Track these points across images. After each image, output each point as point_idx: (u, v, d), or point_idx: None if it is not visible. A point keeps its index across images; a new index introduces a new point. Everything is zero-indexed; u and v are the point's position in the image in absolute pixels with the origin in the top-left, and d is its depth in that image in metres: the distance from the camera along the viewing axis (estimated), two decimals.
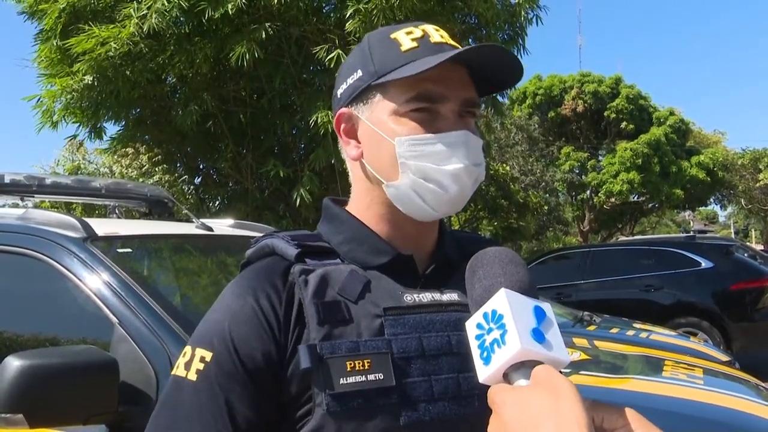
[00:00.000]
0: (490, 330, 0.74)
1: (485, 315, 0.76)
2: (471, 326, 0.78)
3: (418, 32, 0.95)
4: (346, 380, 0.85)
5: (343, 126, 1.00)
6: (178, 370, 0.90)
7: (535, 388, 0.69)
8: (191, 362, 0.89)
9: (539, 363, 0.72)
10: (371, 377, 0.86)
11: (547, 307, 0.77)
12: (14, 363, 1.54)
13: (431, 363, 0.90)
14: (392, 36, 0.96)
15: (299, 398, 0.86)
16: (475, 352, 0.76)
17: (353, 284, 0.92)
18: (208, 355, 0.88)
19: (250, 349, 0.87)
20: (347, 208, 1.03)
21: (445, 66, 0.89)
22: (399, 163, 0.92)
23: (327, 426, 0.84)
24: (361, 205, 1.01)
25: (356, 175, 1.02)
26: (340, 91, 1.01)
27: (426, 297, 0.95)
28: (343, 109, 1.00)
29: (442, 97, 0.92)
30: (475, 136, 0.95)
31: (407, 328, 0.91)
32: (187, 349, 0.91)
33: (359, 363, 0.86)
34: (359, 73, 0.97)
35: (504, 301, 0.74)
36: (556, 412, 0.66)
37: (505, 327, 0.72)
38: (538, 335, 0.73)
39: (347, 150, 1.01)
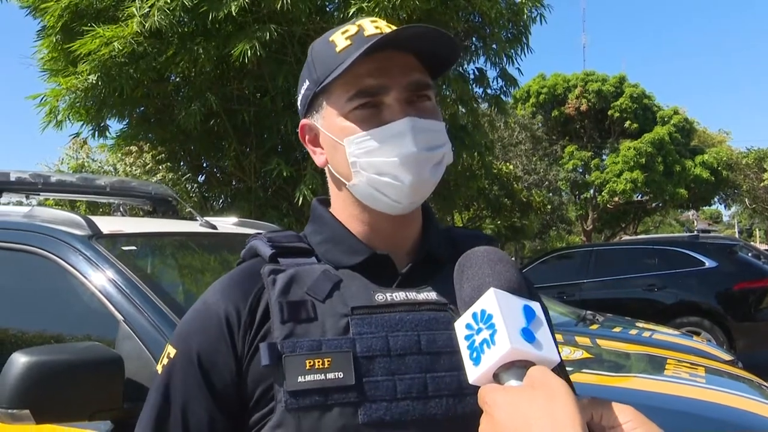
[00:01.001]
0: (479, 330, 0.74)
1: (474, 315, 0.76)
2: (460, 326, 0.78)
3: (353, 29, 0.96)
4: (305, 378, 0.86)
5: (307, 137, 1.03)
6: (157, 364, 0.97)
7: (528, 389, 0.69)
8: (163, 357, 0.95)
9: (530, 363, 0.72)
10: (330, 375, 0.86)
11: (536, 306, 0.77)
12: (20, 359, 1.56)
13: (396, 362, 0.89)
14: (330, 39, 0.97)
15: (263, 397, 0.88)
16: (465, 353, 0.76)
17: (323, 283, 0.93)
18: (173, 352, 0.93)
19: (210, 353, 0.91)
20: (331, 209, 1.04)
21: (385, 56, 0.90)
22: (350, 162, 0.94)
23: (287, 422, 0.85)
24: (337, 206, 1.03)
25: (328, 179, 1.04)
26: (298, 104, 1.05)
27: (399, 296, 0.94)
28: (304, 120, 1.03)
29: (381, 87, 0.92)
30: (424, 119, 0.93)
31: (374, 327, 0.91)
32: (167, 344, 0.97)
33: (319, 361, 0.87)
34: (306, 83, 1.00)
35: (493, 301, 0.74)
36: (551, 413, 0.66)
37: (494, 327, 0.72)
38: (528, 335, 0.72)
39: (315, 159, 1.03)
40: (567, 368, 1.09)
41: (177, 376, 0.91)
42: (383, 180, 0.92)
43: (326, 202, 1.06)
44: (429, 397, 0.89)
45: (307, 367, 0.86)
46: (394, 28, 0.95)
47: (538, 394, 0.68)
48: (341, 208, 1.01)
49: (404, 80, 0.93)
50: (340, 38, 0.95)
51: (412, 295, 0.95)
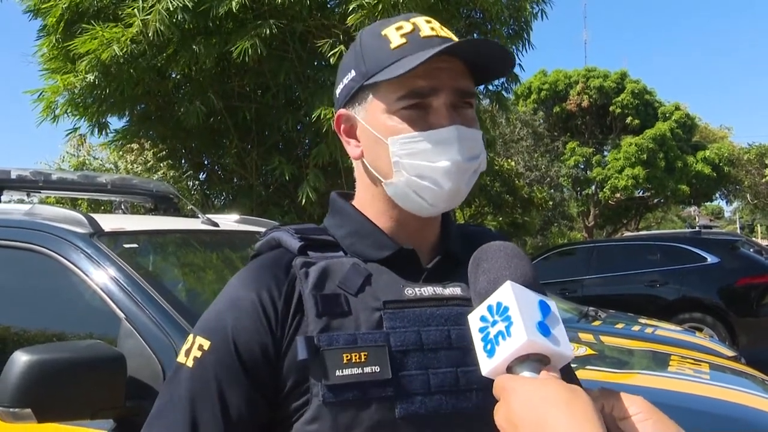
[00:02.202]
0: (494, 322, 0.74)
1: (489, 308, 0.76)
2: (474, 319, 0.78)
3: (408, 26, 0.95)
4: (342, 372, 0.86)
5: (342, 126, 1.02)
6: (180, 357, 0.94)
7: (548, 379, 0.70)
8: (191, 349, 0.92)
9: (544, 357, 0.72)
10: (367, 369, 0.87)
11: (551, 302, 0.77)
12: (22, 358, 1.55)
13: (429, 356, 0.90)
14: (383, 33, 0.96)
15: (296, 389, 0.88)
16: (479, 345, 0.76)
17: (354, 277, 0.93)
18: (206, 344, 0.91)
19: (247, 342, 0.89)
20: (353, 202, 1.04)
21: (435, 59, 0.89)
22: (393, 162, 0.94)
23: (323, 416, 0.86)
24: (365, 200, 1.02)
25: (359, 172, 1.04)
26: (337, 92, 1.03)
27: (427, 291, 0.95)
28: (341, 110, 1.02)
29: (431, 90, 0.92)
30: (469, 128, 0.94)
31: (406, 321, 0.91)
32: (190, 336, 0.95)
33: (356, 355, 0.87)
34: (352, 73, 0.98)
35: (510, 294, 0.74)
36: (570, 401, 0.66)
37: (510, 319, 0.72)
38: (544, 329, 0.73)
39: (349, 150, 1.03)
40: (571, 365, 1.09)
41: (214, 367, 0.89)
42: (423, 183, 0.93)
43: (345, 196, 1.06)
44: (460, 390, 0.91)
45: (345, 361, 0.86)
46: (446, 30, 0.97)
47: (558, 384, 0.68)
48: (368, 203, 1.01)
49: (452, 85, 0.93)
50: (394, 34, 0.95)
51: (439, 290, 0.96)
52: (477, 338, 0.77)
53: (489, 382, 0.87)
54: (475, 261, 0.84)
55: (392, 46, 0.94)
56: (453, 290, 0.97)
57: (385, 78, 0.91)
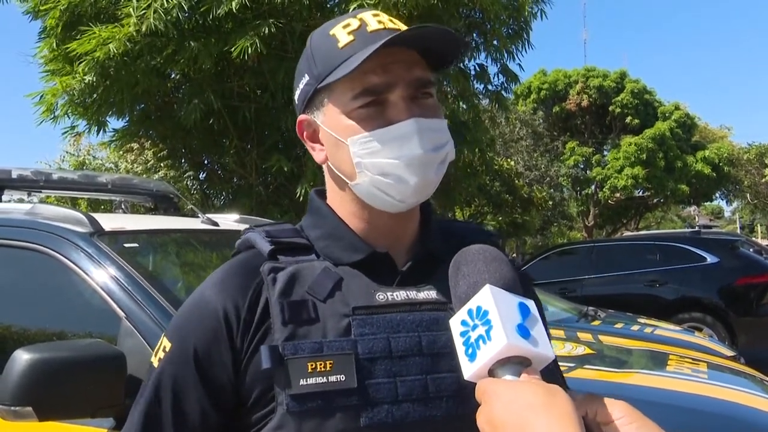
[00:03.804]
0: (475, 326, 0.75)
1: (470, 312, 0.76)
2: (455, 323, 0.78)
3: (355, 23, 0.93)
4: (306, 381, 0.85)
5: (305, 132, 1.01)
6: (152, 356, 0.95)
7: (528, 382, 0.71)
8: (158, 350, 0.94)
9: (525, 359, 0.73)
10: (332, 378, 0.85)
11: (531, 303, 0.77)
12: (23, 356, 1.56)
13: (398, 364, 0.88)
14: (331, 32, 0.94)
15: (261, 398, 0.87)
16: (460, 349, 0.77)
17: (323, 282, 0.91)
18: (168, 346, 0.92)
19: (207, 350, 0.89)
20: (328, 202, 1.02)
21: (388, 51, 0.87)
22: (354, 162, 0.92)
23: (287, 425, 0.85)
24: (335, 202, 1.00)
25: (327, 176, 1.02)
26: (295, 97, 1.02)
27: (400, 295, 0.93)
28: (302, 116, 1.00)
29: (386, 85, 0.90)
30: (428, 119, 0.91)
31: (375, 328, 0.89)
32: (162, 336, 0.96)
33: (321, 364, 0.85)
34: (306, 77, 0.97)
35: (489, 298, 0.75)
36: (549, 404, 0.67)
37: (490, 323, 0.73)
38: (524, 331, 0.73)
39: (314, 155, 1.01)
40: (570, 364, 1.10)
41: (172, 370, 0.90)
42: (387, 181, 0.90)
43: (324, 194, 1.04)
44: (429, 398, 0.89)
45: (309, 370, 0.85)
46: (396, 21, 0.94)
47: (538, 387, 0.69)
48: (339, 204, 0.99)
49: (408, 77, 0.91)
50: (341, 33, 0.93)
51: (413, 294, 0.94)
52: (458, 342, 0.77)
53: (460, 390, 0.86)
54: (455, 265, 0.83)
55: (340, 45, 0.92)
56: (428, 294, 0.95)
57: (336, 78, 0.89)
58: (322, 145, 0.98)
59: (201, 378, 0.89)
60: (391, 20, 0.95)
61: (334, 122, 0.94)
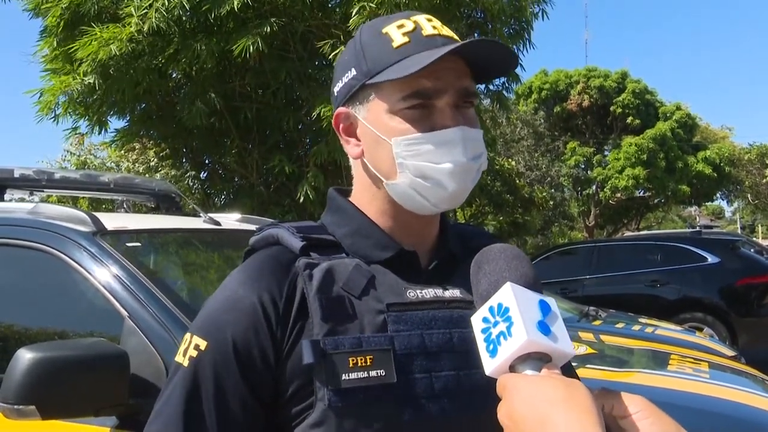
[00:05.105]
0: (496, 323, 0.76)
1: (491, 309, 0.77)
2: (477, 320, 0.79)
3: (409, 25, 0.94)
4: (349, 376, 0.85)
5: (341, 125, 1.01)
6: (177, 356, 0.93)
7: (548, 377, 0.71)
8: (188, 349, 0.91)
9: (545, 355, 0.74)
10: (373, 373, 0.86)
11: (551, 301, 0.78)
12: (26, 355, 1.56)
13: (432, 360, 0.90)
14: (384, 30, 0.95)
15: (299, 392, 0.87)
16: (482, 346, 0.78)
17: (358, 279, 0.92)
18: (203, 344, 0.90)
19: (246, 344, 0.88)
20: (351, 199, 1.03)
21: (440, 58, 0.88)
22: (397, 163, 0.93)
23: (328, 420, 0.85)
24: (364, 199, 1.01)
25: (358, 171, 1.02)
26: (336, 89, 1.01)
27: (429, 293, 0.95)
28: (341, 109, 1.00)
29: (436, 91, 0.91)
30: (472, 129, 0.94)
31: (410, 324, 0.91)
32: (187, 335, 0.93)
33: (361, 359, 0.86)
34: (353, 71, 0.96)
35: (510, 295, 0.76)
36: (568, 398, 0.67)
37: (511, 319, 0.74)
38: (544, 327, 0.74)
39: (348, 149, 1.01)
40: (571, 363, 1.10)
41: (210, 368, 0.88)
42: (426, 184, 0.92)
43: (344, 192, 1.05)
44: (463, 393, 0.91)
45: (351, 365, 0.86)
46: (446, 28, 0.96)
47: (558, 381, 0.70)
48: (368, 202, 1.00)
49: (456, 85, 0.93)
50: (395, 32, 0.94)
51: (440, 293, 0.96)
52: (480, 339, 0.78)
53: (489, 386, 0.87)
54: (477, 264, 0.84)
55: (395, 44, 0.92)
56: (453, 292, 0.97)
57: (391, 78, 0.90)
58: (359, 140, 0.99)
59: (242, 371, 0.88)
60: (443, 26, 0.97)
61: (378, 120, 0.94)
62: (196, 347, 0.90)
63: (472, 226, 1.18)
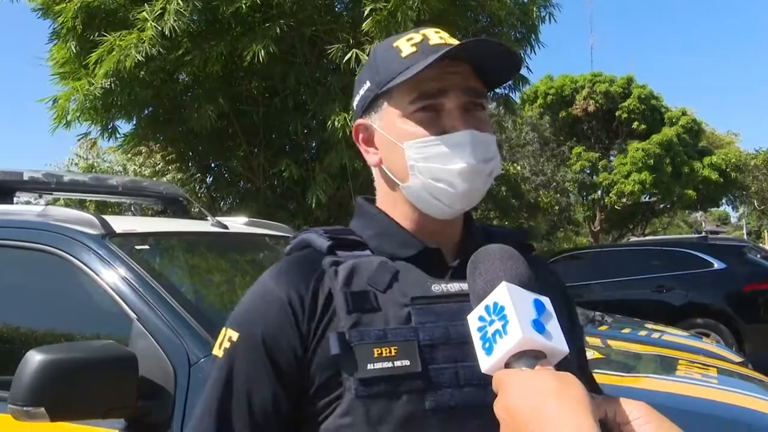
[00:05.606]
0: (491, 321, 0.78)
1: (487, 308, 0.80)
2: (473, 319, 0.82)
3: (417, 37, 1.00)
4: (374, 365, 0.89)
5: (361, 136, 1.07)
6: (213, 349, 1.00)
7: (540, 371, 0.74)
8: (222, 342, 0.98)
9: (540, 353, 0.76)
10: (398, 363, 0.89)
11: (546, 300, 0.81)
12: (36, 357, 1.57)
13: (458, 350, 0.93)
14: (394, 44, 1.02)
15: (327, 384, 0.91)
16: (478, 344, 0.80)
17: (382, 275, 0.97)
18: (235, 336, 0.96)
19: (275, 336, 0.93)
20: (377, 205, 1.08)
21: (444, 65, 0.95)
22: (408, 165, 0.98)
23: (355, 409, 0.88)
24: (387, 204, 1.06)
25: (378, 178, 1.09)
26: (354, 104, 1.09)
27: (454, 287, 0.98)
28: (359, 120, 1.07)
29: (441, 90, 0.96)
30: (482, 132, 0.97)
31: (434, 316, 0.94)
32: (223, 330, 0.99)
33: (386, 350, 0.90)
34: (367, 84, 1.04)
35: (505, 294, 0.78)
36: (560, 390, 0.70)
37: (506, 318, 0.76)
38: (539, 326, 0.77)
39: (368, 158, 1.07)
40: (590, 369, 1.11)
41: (241, 358, 0.94)
42: (438, 186, 0.96)
43: (371, 200, 1.10)
44: (486, 383, 0.91)
45: (375, 356, 0.89)
46: (455, 40, 1.01)
47: (550, 374, 0.72)
48: (391, 206, 1.05)
49: (463, 84, 0.97)
50: (405, 45, 1.00)
51: (465, 287, 0.98)
52: (476, 337, 0.80)
53: None
54: (473, 264, 0.87)
55: (403, 55, 0.99)
56: None
57: (396, 83, 0.96)
58: (377, 148, 1.05)
59: (271, 364, 0.92)
60: (450, 37, 1.02)
61: (391, 126, 1.00)
62: (230, 339, 0.96)
63: (504, 227, 1.22)
